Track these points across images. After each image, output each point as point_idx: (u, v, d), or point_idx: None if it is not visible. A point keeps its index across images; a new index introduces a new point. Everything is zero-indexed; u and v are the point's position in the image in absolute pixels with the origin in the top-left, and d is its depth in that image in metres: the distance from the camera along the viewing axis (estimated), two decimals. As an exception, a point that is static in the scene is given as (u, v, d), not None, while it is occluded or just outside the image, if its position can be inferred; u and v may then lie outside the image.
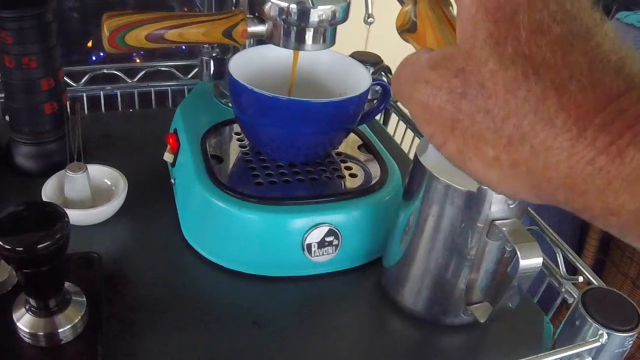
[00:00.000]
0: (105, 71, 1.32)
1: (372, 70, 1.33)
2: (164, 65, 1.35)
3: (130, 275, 0.89)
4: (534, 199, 0.40)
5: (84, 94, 1.31)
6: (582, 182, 0.35)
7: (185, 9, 1.70)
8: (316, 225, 0.87)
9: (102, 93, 1.32)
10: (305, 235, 0.87)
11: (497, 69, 0.37)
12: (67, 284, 0.75)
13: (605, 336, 0.78)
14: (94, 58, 1.69)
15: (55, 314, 0.73)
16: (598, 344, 0.79)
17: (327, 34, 0.89)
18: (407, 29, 0.51)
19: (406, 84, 0.43)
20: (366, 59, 1.34)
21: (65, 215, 0.69)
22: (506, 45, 0.37)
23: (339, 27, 0.90)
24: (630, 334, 0.79)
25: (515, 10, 0.37)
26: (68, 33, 1.72)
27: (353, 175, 0.97)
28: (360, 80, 0.94)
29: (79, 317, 0.74)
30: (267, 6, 0.86)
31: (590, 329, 0.79)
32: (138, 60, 1.61)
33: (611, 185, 0.34)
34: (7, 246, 0.63)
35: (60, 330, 0.73)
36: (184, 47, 1.60)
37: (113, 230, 0.97)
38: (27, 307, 0.72)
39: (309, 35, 0.88)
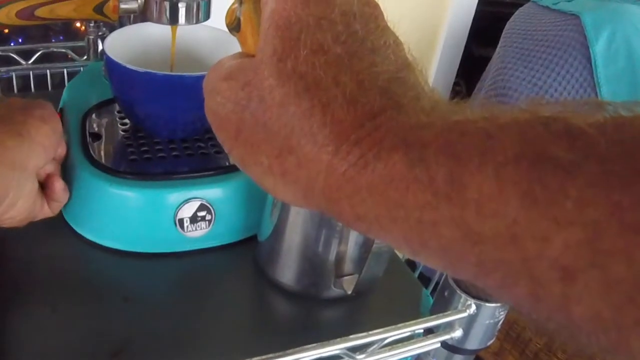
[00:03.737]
0: (1, 53, 1.31)
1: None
2: (59, 45, 1.34)
3: (5, 254, 0.88)
4: (305, 206, 0.43)
5: (-22, 78, 1.29)
6: (336, 191, 0.38)
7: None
8: (187, 200, 0.87)
9: (-4, 76, 1.30)
10: (177, 210, 0.87)
11: (275, 85, 0.40)
12: None
13: (474, 307, 0.79)
14: (12, 43, 1.67)
15: None
16: (466, 314, 0.80)
17: (200, 9, 0.90)
18: (233, 27, 0.51)
19: (205, 91, 0.48)
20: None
21: None
22: (286, 62, 0.40)
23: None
24: (500, 304, 0.80)
25: (301, 30, 0.40)
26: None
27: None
28: (238, 55, 0.94)
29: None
30: (138, -19, 0.86)
31: (460, 299, 0.80)
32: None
33: (358, 193, 0.37)
34: None
35: None
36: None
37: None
38: None
39: (182, 10, 0.88)
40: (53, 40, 1.67)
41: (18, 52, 1.32)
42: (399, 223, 0.36)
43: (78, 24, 1.56)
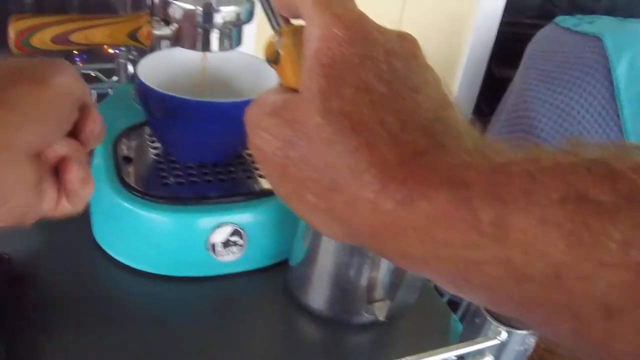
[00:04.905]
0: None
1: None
2: (87, 67, 1.36)
3: (40, 276, 0.89)
4: (349, 241, 0.43)
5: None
6: (382, 229, 0.38)
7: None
8: (220, 225, 0.87)
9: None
10: (210, 235, 0.87)
11: (322, 123, 0.40)
12: (-28, 284, 0.76)
13: (505, 334, 0.80)
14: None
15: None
16: (497, 341, 0.80)
17: (232, 35, 0.91)
18: (272, 60, 0.52)
19: (249, 126, 0.47)
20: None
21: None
22: (332, 101, 0.40)
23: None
24: (530, 332, 0.80)
25: (346, 68, 0.41)
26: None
27: (263, 176, 0.97)
28: (271, 80, 0.95)
29: (-17, 316, 0.74)
30: (171, 9, 0.87)
31: (491, 327, 0.81)
32: (80, 64, 1.60)
33: (404, 231, 0.37)
34: None
35: (-37, 329, 0.73)
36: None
37: (24, 232, 0.96)
38: None
39: (215, 37, 0.89)
40: (76, 60, 1.68)
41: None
42: (444, 261, 0.36)
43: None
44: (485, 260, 0.34)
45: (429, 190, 0.36)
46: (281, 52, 0.50)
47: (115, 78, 1.36)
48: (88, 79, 1.37)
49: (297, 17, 0.50)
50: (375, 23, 0.44)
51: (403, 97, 0.41)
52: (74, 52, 1.65)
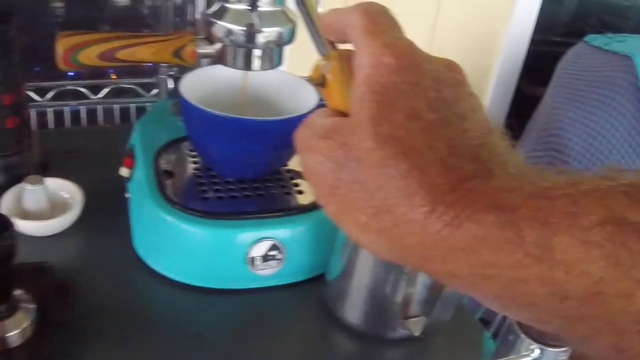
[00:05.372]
0: (70, 87, 1.35)
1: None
2: (127, 82, 1.38)
3: (82, 286, 0.91)
4: (396, 261, 0.45)
5: (50, 110, 1.34)
6: (431, 249, 0.40)
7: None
8: (260, 240, 0.89)
9: (66, 109, 1.34)
10: (249, 249, 0.89)
11: (374, 147, 0.42)
12: (17, 292, 0.78)
13: (538, 351, 0.81)
14: (72, 73, 1.72)
15: (4, 319, 0.75)
16: (529, 358, 0.81)
17: (274, 55, 0.93)
18: (319, 83, 0.53)
19: (300, 148, 0.49)
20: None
21: (12, 224, 0.71)
22: (383, 126, 0.42)
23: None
24: (562, 349, 0.82)
25: (397, 96, 0.43)
26: (41, 50, 1.75)
27: (300, 192, 1.00)
28: (308, 99, 0.97)
29: (28, 323, 0.77)
30: (215, 28, 0.89)
31: (523, 344, 0.82)
32: (114, 77, 1.63)
33: (452, 252, 0.39)
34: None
35: (8, 335, 0.75)
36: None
37: (68, 242, 0.99)
38: (-23, 311, 0.75)
39: (257, 56, 0.91)
40: (110, 72, 1.71)
41: (86, 87, 1.36)
42: (491, 280, 0.38)
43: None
44: (530, 279, 0.36)
45: (476, 213, 0.38)
46: (328, 75, 0.52)
47: (154, 91, 1.39)
48: (127, 92, 1.40)
49: (343, 42, 0.52)
50: (423, 52, 0.46)
51: (451, 124, 0.43)
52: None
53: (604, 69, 2.32)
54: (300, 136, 0.49)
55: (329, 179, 0.45)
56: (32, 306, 0.79)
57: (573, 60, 2.51)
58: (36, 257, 0.88)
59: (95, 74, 1.58)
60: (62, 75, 1.69)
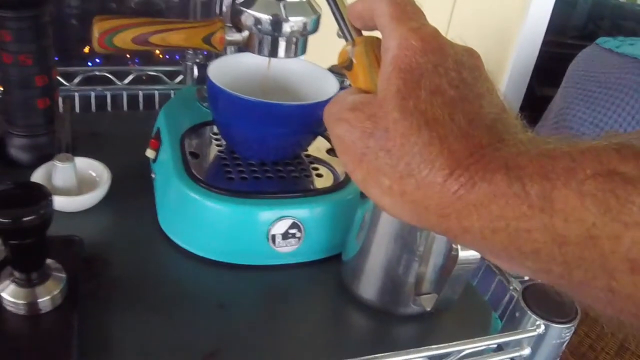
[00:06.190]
0: (97, 73, 1.39)
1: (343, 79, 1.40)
2: (152, 69, 1.43)
3: (109, 259, 0.95)
4: (416, 222, 0.50)
5: (77, 94, 1.38)
6: (448, 207, 0.45)
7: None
8: (280, 218, 0.94)
9: (93, 94, 1.38)
10: (270, 227, 0.94)
11: (399, 118, 0.47)
12: (49, 261, 0.82)
13: (543, 327, 0.85)
14: (89, 64, 1.76)
15: (36, 286, 0.79)
16: (535, 333, 0.86)
17: (298, 44, 0.98)
18: (345, 67, 0.58)
19: (330, 119, 0.54)
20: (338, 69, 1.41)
21: (50, 194, 0.75)
22: (408, 100, 0.47)
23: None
24: (567, 325, 0.86)
25: (421, 74, 0.48)
26: (67, 38, 1.80)
27: (319, 175, 1.04)
28: (329, 87, 1.01)
29: (58, 291, 0.81)
30: (244, 16, 0.94)
31: (529, 320, 0.86)
32: (135, 66, 1.67)
33: (466, 208, 0.44)
34: (-3, 219, 0.70)
35: (39, 300, 0.79)
36: (178, 57, 1.67)
37: (96, 218, 1.04)
38: (12, 278, 0.79)
39: (282, 45, 0.96)
40: (137, 61, 1.75)
41: (111, 72, 1.40)
42: (499, 232, 0.43)
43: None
44: (534, 228, 0.41)
45: (488, 174, 0.43)
46: (354, 59, 0.56)
47: (178, 79, 1.43)
48: (151, 79, 1.44)
49: (370, 29, 0.57)
50: (446, 38, 0.51)
51: (470, 101, 0.48)
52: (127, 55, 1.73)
53: (615, 71, 2.35)
54: (330, 110, 0.54)
55: (357, 146, 0.50)
56: (62, 275, 0.82)
57: (584, 62, 2.54)
58: (65, 231, 0.92)
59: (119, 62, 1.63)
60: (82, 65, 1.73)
